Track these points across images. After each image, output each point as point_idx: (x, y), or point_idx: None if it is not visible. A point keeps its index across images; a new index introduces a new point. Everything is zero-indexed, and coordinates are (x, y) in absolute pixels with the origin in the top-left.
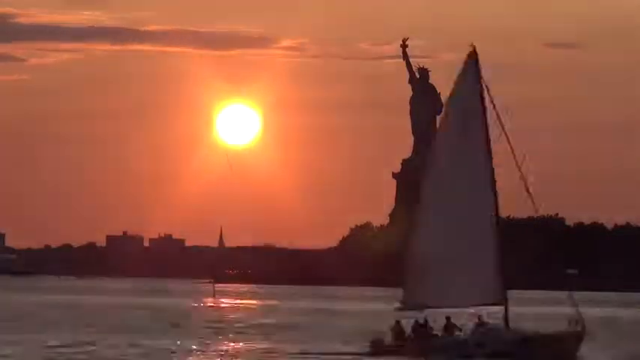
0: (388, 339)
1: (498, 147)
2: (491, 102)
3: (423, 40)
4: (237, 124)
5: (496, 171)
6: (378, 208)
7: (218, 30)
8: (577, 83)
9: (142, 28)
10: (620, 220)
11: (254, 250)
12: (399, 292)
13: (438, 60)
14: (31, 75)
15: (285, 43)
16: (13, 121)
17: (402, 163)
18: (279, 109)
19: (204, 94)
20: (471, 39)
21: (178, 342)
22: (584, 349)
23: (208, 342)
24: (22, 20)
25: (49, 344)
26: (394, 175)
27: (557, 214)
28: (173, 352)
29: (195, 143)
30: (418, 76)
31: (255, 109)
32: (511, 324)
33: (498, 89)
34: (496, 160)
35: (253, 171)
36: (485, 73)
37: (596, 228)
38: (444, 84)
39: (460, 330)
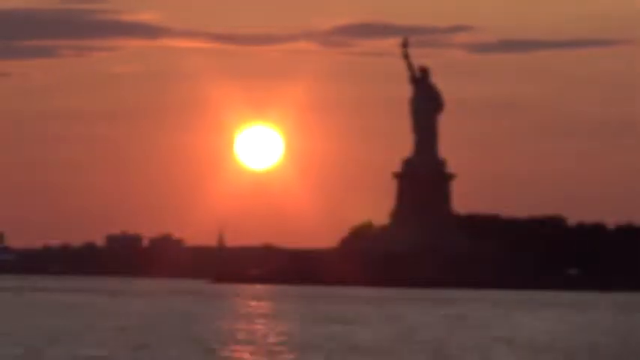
0: None
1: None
2: None
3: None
4: (258, 146)
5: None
6: (378, 207)
7: (235, 29)
8: (580, 83)
9: (162, 26)
10: (622, 220)
11: (254, 250)
12: (399, 292)
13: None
14: (36, 72)
15: (292, 42)
16: (13, 120)
17: (402, 163)
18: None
19: (211, 95)
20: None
21: None
22: None
23: None
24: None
25: None
26: (395, 175)
27: (557, 214)
28: None
29: (197, 143)
30: (419, 76)
31: (275, 129)
32: None
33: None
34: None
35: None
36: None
37: (598, 228)
38: (444, 83)
39: None
